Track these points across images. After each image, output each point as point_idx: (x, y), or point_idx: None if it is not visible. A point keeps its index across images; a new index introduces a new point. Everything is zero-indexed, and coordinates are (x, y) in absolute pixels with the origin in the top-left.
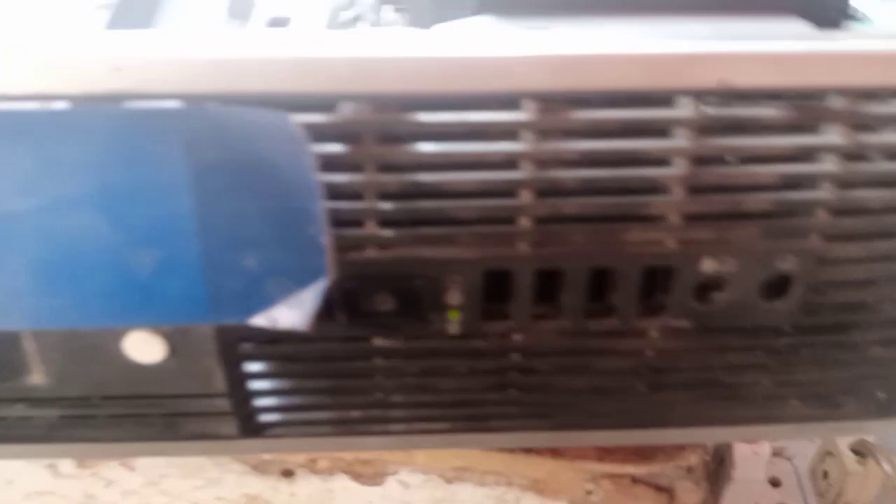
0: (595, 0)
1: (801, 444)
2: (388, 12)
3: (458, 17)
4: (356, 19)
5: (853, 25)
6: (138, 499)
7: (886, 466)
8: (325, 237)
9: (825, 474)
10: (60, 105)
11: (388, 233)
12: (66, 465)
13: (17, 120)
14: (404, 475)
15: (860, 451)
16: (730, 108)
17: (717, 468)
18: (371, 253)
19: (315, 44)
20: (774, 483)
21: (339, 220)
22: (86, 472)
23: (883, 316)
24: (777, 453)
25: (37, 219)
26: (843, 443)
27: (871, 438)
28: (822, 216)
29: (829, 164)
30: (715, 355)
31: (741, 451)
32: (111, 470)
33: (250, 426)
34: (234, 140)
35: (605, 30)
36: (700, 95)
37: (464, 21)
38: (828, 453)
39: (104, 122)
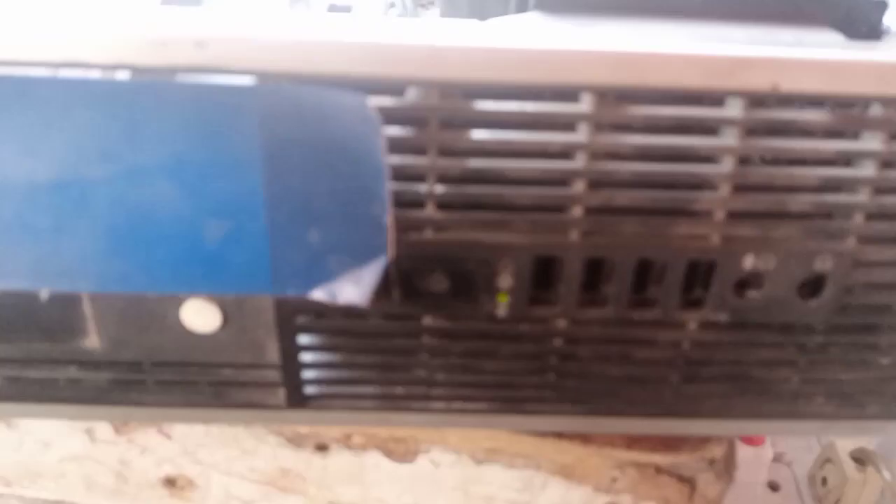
0: (638, 3)
1: (800, 450)
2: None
3: (497, 15)
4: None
5: (893, 39)
6: (172, 466)
7: (886, 474)
8: (388, 217)
9: (824, 480)
10: (123, 75)
11: (445, 215)
12: (104, 430)
13: (103, 89)
14: (436, 454)
15: (860, 459)
16: (777, 110)
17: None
18: (428, 234)
19: (387, 30)
20: (773, 487)
21: (400, 202)
22: (122, 439)
23: None
24: (776, 458)
25: (112, 185)
26: (843, 449)
27: (869, 445)
28: (858, 219)
29: (867, 170)
30: (748, 350)
31: (743, 453)
32: (148, 437)
33: (297, 397)
34: (309, 118)
35: (650, 30)
36: (750, 97)
37: (512, 17)
38: (827, 460)
39: (185, 95)
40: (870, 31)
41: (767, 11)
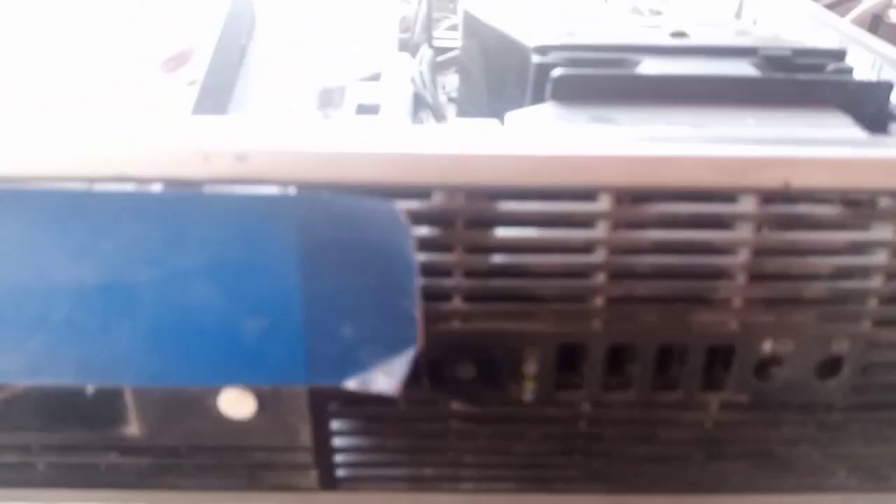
0: (650, 91)
1: None
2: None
3: (514, 99)
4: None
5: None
6: None
7: None
8: (417, 310)
9: None
10: (157, 188)
11: (471, 307)
12: None
13: (149, 200)
14: None
15: None
16: (789, 205)
17: None
18: (456, 325)
19: (414, 137)
20: None
21: (429, 295)
22: None
23: None
24: None
25: (156, 288)
26: None
27: None
28: (872, 304)
29: (879, 258)
30: (770, 428)
31: None
32: None
33: (329, 480)
34: (344, 224)
35: (662, 120)
36: (763, 194)
37: (529, 109)
38: None
39: (226, 206)
40: (877, 110)
41: (776, 95)
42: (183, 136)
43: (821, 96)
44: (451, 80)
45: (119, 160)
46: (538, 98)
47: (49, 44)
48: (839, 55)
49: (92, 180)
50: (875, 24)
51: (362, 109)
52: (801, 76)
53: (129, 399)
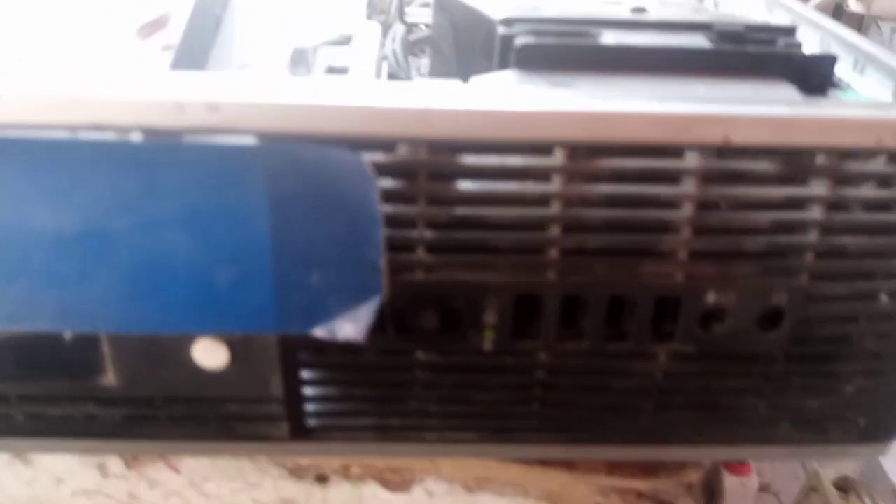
0: (608, 61)
1: (786, 481)
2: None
3: (482, 72)
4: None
5: (837, 93)
6: (180, 500)
7: (868, 501)
8: (382, 260)
9: None
10: (136, 136)
11: (434, 258)
12: (115, 465)
13: (124, 149)
14: (430, 483)
15: (843, 487)
16: (731, 161)
17: (708, 500)
18: (419, 275)
19: (380, 92)
20: None
21: (393, 246)
22: (132, 473)
23: (864, 349)
24: (763, 489)
25: (132, 235)
26: (827, 478)
27: (852, 474)
28: (809, 258)
29: (815, 213)
30: (716, 379)
31: (729, 483)
32: (157, 471)
33: (300, 430)
34: (311, 174)
35: (618, 87)
36: (705, 149)
37: (493, 75)
38: (812, 489)
39: (199, 155)
40: (821, 82)
41: (728, 67)
42: (158, 86)
43: (769, 68)
44: (425, 64)
45: (96, 108)
46: (504, 66)
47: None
48: (789, 31)
49: (68, 128)
50: (837, 12)
51: (332, 70)
52: (751, 49)
53: (105, 349)
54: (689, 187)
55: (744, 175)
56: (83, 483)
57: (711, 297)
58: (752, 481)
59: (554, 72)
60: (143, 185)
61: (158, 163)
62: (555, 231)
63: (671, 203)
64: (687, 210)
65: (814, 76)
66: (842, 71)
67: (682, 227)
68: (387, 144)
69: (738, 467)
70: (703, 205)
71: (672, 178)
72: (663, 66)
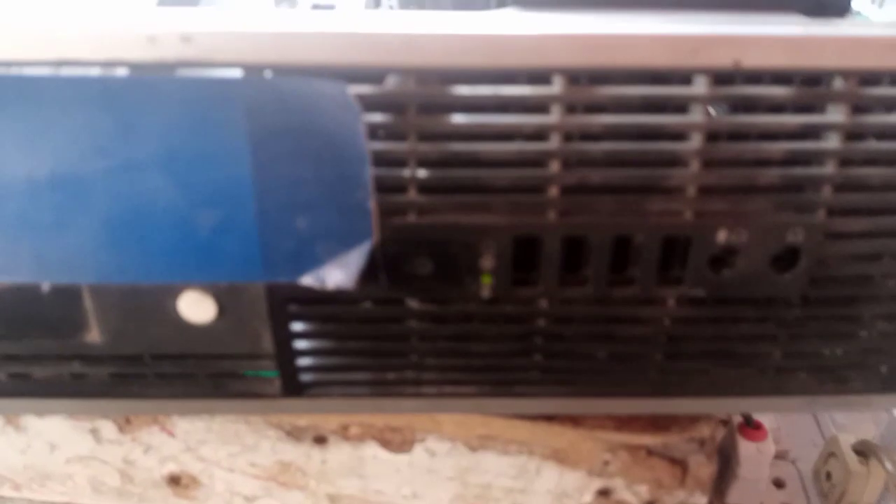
0: None
1: (805, 448)
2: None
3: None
4: None
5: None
6: (175, 464)
7: (889, 466)
8: (371, 202)
9: (828, 475)
10: (122, 71)
11: (427, 199)
12: (109, 430)
13: (97, 86)
14: (431, 443)
15: (862, 452)
16: (741, 86)
17: (723, 466)
18: (411, 218)
19: (366, 20)
20: (778, 484)
21: (383, 187)
22: (126, 437)
23: (887, 291)
24: (781, 456)
25: (109, 180)
26: (846, 443)
27: (871, 437)
28: (827, 192)
29: (832, 142)
30: (728, 325)
31: (745, 449)
32: (151, 436)
33: (292, 386)
34: (293, 108)
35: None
36: (714, 74)
37: (490, 12)
38: (830, 454)
39: (173, 90)
40: (838, 16)
41: (738, 1)
42: (127, 17)
43: (783, 3)
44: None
45: (63, 43)
46: (502, 7)
47: None
48: None
49: (34, 64)
50: None
51: (317, 7)
52: None
53: (88, 304)
54: (697, 116)
55: (756, 102)
56: (77, 449)
57: (722, 236)
58: (769, 447)
59: (555, 9)
60: (116, 125)
61: (131, 100)
62: (554, 167)
63: (679, 134)
64: (696, 141)
65: (830, 9)
66: (859, 5)
67: (690, 159)
68: (374, 75)
69: (753, 433)
70: (712, 135)
71: (679, 106)
72: (674, 3)
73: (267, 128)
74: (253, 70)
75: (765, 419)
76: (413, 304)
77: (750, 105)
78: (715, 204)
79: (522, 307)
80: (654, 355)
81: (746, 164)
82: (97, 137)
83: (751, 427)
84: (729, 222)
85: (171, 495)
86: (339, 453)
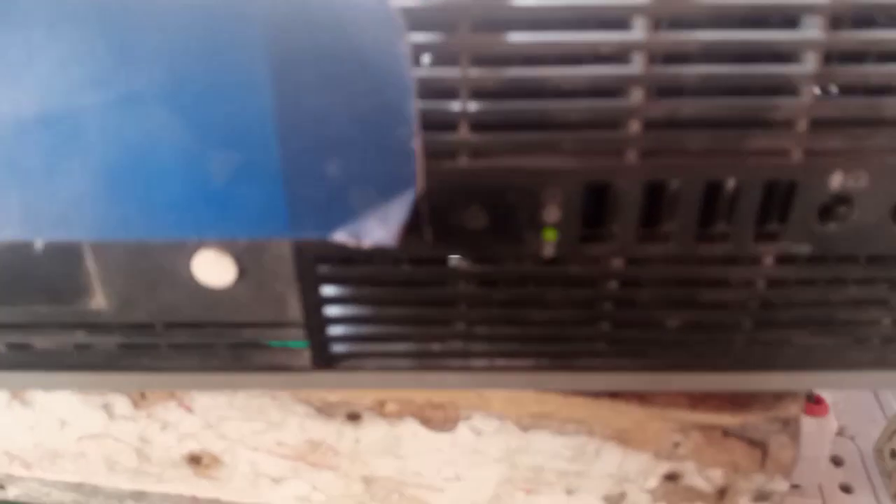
0: None
1: (863, 424)
2: None
3: None
4: None
5: None
6: (195, 442)
7: None
8: (416, 142)
9: (893, 453)
10: None
11: (481, 138)
12: (122, 406)
13: (90, 3)
14: (477, 421)
15: None
16: None
17: None
18: (462, 161)
19: None
20: (837, 462)
21: (430, 122)
22: (141, 414)
23: None
24: (838, 432)
25: (106, 115)
26: None
27: None
28: None
29: None
30: (833, 288)
31: (807, 425)
32: (168, 412)
33: (323, 357)
34: (322, 26)
35: None
36: None
37: None
38: (895, 432)
39: (181, 6)
40: None
41: None
42: None
43: None
44: None
45: None
46: None
47: None
48: None
49: None
50: None
51: None
52: None
53: (91, 266)
54: (813, 31)
55: (886, 13)
56: (88, 426)
57: (836, 181)
58: (831, 423)
59: None
60: (114, 49)
61: (131, 19)
62: (637, 96)
63: (789, 54)
64: (810, 63)
65: None
66: None
67: (802, 85)
68: None
69: (815, 408)
70: (832, 54)
71: (790, 21)
72: None
73: (292, 52)
74: None
75: (824, 393)
76: (462, 263)
77: (871, 18)
78: (830, 141)
79: (591, 267)
80: (743, 323)
81: (871, 92)
82: (92, 65)
83: (811, 402)
84: (845, 163)
85: (191, 475)
86: (374, 431)
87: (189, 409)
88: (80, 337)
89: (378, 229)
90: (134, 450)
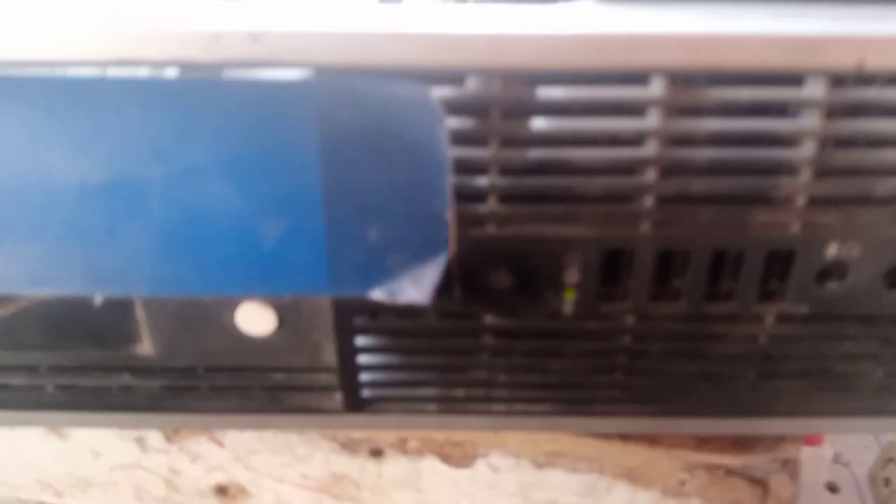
0: None
1: (859, 450)
2: None
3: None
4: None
5: None
6: (223, 474)
7: None
8: (449, 212)
9: (886, 481)
10: (172, 72)
11: (508, 209)
12: (154, 438)
13: (154, 87)
14: (494, 458)
15: None
16: (861, 89)
17: None
18: (491, 229)
19: (445, 18)
20: (832, 489)
21: (462, 195)
22: (173, 447)
23: None
24: (834, 459)
25: (165, 185)
26: None
27: None
28: None
29: None
30: (829, 343)
31: (804, 454)
32: (198, 445)
33: (354, 401)
34: (368, 111)
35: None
36: (833, 76)
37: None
38: (889, 459)
39: (239, 91)
40: None
41: None
42: (192, 15)
43: None
44: None
45: (124, 42)
46: None
47: None
48: None
49: (94, 64)
50: None
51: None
52: None
53: (140, 315)
54: (811, 120)
55: (878, 106)
56: (121, 457)
57: (832, 250)
58: (827, 451)
59: (639, 3)
60: (176, 127)
61: (194, 102)
62: (651, 175)
63: (790, 140)
64: (809, 148)
65: None
66: None
67: (801, 168)
68: (454, 76)
69: (811, 437)
70: (828, 141)
71: (791, 110)
72: None
73: (339, 132)
74: (324, 71)
75: None
76: (488, 318)
77: (863, 108)
78: (826, 216)
79: (606, 323)
80: (746, 374)
81: (863, 173)
82: (153, 140)
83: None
84: (840, 235)
85: None
86: (395, 467)
87: (219, 443)
88: (126, 379)
89: (412, 289)
90: (163, 480)
